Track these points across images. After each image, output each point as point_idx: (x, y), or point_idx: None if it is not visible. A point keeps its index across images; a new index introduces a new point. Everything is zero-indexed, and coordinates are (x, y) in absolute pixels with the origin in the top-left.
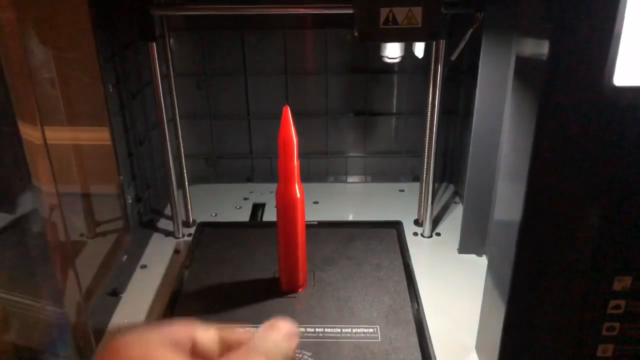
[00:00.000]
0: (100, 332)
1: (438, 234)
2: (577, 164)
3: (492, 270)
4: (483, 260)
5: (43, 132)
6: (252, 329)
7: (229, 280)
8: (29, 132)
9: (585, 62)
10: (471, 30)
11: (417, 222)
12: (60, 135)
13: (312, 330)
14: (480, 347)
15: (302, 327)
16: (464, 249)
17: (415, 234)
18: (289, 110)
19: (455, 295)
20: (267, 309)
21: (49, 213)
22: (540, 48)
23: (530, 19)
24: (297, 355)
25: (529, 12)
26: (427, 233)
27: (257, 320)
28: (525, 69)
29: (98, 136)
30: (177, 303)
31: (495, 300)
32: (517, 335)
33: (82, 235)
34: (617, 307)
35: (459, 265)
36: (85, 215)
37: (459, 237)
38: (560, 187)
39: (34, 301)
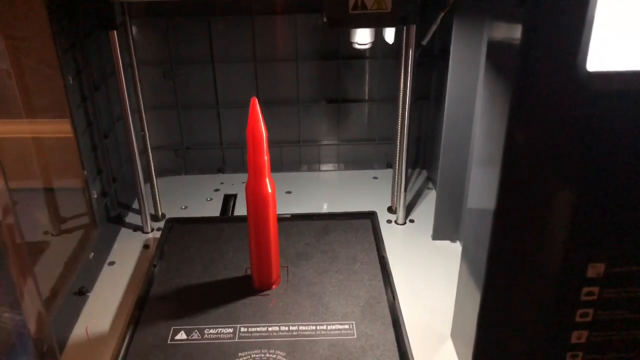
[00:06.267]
0: (65, 335)
1: (412, 221)
2: (550, 150)
3: (467, 256)
4: (457, 247)
5: None
6: None
7: (200, 279)
8: None
9: (558, 47)
10: (442, 14)
11: (391, 209)
12: (18, 129)
13: (286, 329)
14: (455, 335)
15: (275, 325)
16: (437, 235)
17: (389, 221)
18: (256, 102)
19: (430, 282)
20: (239, 308)
21: (1, 212)
22: (512, 32)
23: (503, 3)
24: (270, 355)
25: None
26: (400, 220)
27: (229, 321)
28: (497, 54)
29: (59, 129)
30: (146, 303)
31: (470, 287)
32: (492, 322)
33: (46, 232)
34: (591, 293)
35: (433, 252)
36: (49, 212)
37: (432, 224)
38: (534, 173)
39: None
